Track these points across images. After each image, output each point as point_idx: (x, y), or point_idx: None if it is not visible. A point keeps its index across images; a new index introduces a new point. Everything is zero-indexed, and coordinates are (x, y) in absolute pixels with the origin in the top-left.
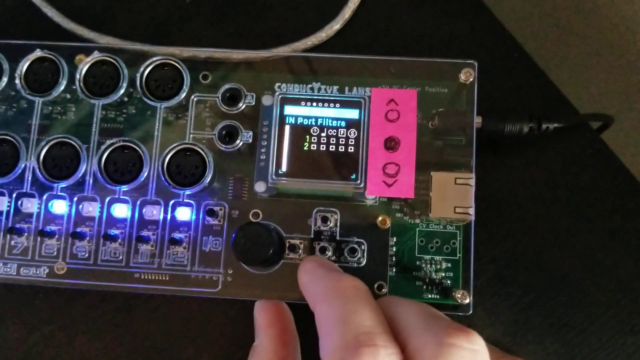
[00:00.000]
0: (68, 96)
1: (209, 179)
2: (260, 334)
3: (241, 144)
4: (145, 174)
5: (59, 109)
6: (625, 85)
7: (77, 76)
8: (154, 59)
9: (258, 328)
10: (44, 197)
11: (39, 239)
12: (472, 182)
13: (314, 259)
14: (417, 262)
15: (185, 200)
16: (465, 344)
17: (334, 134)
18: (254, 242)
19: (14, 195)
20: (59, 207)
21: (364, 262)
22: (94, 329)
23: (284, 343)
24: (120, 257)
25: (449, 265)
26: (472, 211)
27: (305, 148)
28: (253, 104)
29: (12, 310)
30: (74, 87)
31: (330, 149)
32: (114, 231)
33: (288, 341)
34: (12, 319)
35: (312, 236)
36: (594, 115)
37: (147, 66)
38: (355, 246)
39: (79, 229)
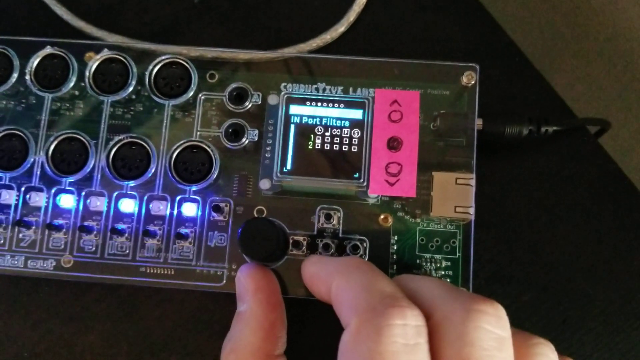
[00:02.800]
0: (76, 93)
1: (215, 176)
2: (247, 299)
3: (247, 142)
4: (153, 170)
5: (68, 105)
6: (623, 91)
7: (87, 73)
8: (163, 57)
9: (245, 293)
10: (52, 191)
11: (46, 232)
12: (473, 182)
13: (315, 255)
14: (418, 261)
15: (192, 197)
16: (491, 310)
17: (338, 134)
18: (260, 237)
19: (23, 189)
20: (67, 201)
21: (366, 259)
22: (100, 322)
23: (274, 307)
24: (127, 251)
25: (449, 264)
26: (472, 211)
27: (310, 147)
28: (259, 103)
29: (18, 304)
30: (83, 84)
31: (334, 148)
32: (121, 225)
33: (277, 305)
34: (18, 312)
35: (315, 233)
36: (592, 119)
37: (156, 64)
38: (358, 243)
39: (86, 223)
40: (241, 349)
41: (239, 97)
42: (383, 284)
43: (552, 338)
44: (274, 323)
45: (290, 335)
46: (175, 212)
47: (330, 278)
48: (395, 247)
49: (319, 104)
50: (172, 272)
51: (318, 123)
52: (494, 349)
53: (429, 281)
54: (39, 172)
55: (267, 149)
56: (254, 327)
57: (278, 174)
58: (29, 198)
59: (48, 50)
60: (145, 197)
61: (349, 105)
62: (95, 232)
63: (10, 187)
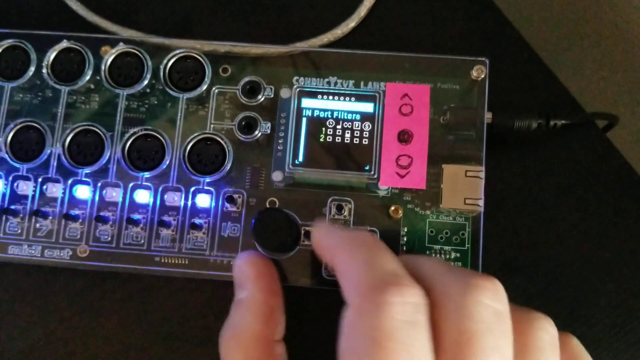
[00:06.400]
0: (92, 86)
1: (228, 168)
2: (248, 286)
3: (260, 134)
4: (167, 162)
5: (83, 98)
6: (631, 86)
7: (102, 67)
8: (177, 51)
9: (246, 280)
10: (69, 182)
11: (63, 222)
12: (482, 174)
13: (325, 221)
14: (427, 252)
15: (205, 188)
16: (489, 285)
17: (349, 127)
18: (273, 227)
19: (40, 180)
20: (83, 192)
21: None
22: (114, 311)
23: (274, 293)
24: (142, 241)
25: (458, 255)
26: (481, 203)
27: (321, 140)
28: (272, 96)
29: (34, 293)
30: (98, 78)
31: (345, 141)
32: (136, 216)
33: (277, 291)
34: (34, 301)
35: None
36: (600, 114)
37: (170, 58)
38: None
39: (102, 213)
40: (242, 334)
41: (252, 90)
42: (385, 261)
43: (560, 329)
44: (274, 309)
45: (296, 324)
46: (189, 203)
47: (332, 251)
48: (405, 239)
49: (331, 97)
50: (186, 262)
51: (329, 116)
52: (492, 322)
53: (429, 259)
54: (55, 164)
55: (280, 141)
56: (255, 312)
57: (290, 166)
58: (46, 189)
59: (64, 44)
60: (160, 189)
61: (360, 98)
62: (110, 222)
63: (27, 178)
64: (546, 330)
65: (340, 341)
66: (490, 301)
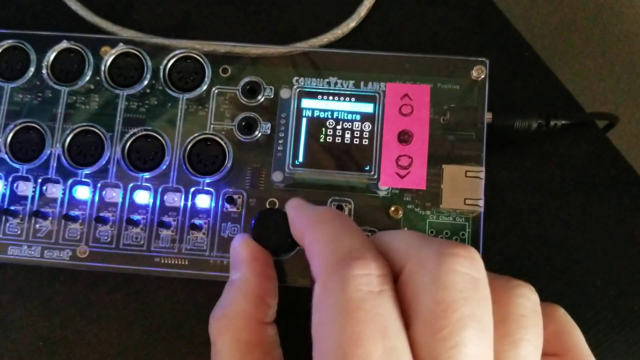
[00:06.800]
0: (92, 87)
1: (228, 168)
2: (242, 268)
3: (259, 135)
4: (167, 163)
5: (83, 98)
6: (632, 86)
7: (102, 67)
8: (177, 51)
9: (240, 262)
10: (68, 182)
11: (62, 222)
12: (482, 175)
13: (298, 198)
14: None
15: (205, 188)
16: (463, 253)
17: (349, 127)
18: (273, 228)
19: (39, 180)
20: (83, 192)
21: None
22: (113, 313)
23: (267, 276)
24: (142, 242)
25: None
26: (481, 203)
27: (322, 140)
28: (272, 96)
29: (33, 293)
30: (98, 78)
31: (346, 141)
32: (136, 216)
33: (270, 275)
34: (34, 302)
35: None
36: (600, 114)
37: (170, 59)
38: (369, 234)
39: (102, 214)
40: (233, 314)
41: (252, 90)
42: (351, 236)
43: None
44: (267, 292)
45: (294, 323)
46: (189, 203)
47: (304, 228)
48: None
49: (331, 97)
50: (186, 263)
51: (329, 116)
52: (469, 290)
53: (403, 233)
54: (55, 164)
55: (280, 142)
56: (247, 294)
57: (290, 167)
58: (46, 189)
59: (64, 44)
60: (160, 189)
61: (360, 99)
62: (110, 223)
63: (27, 179)
64: (527, 297)
65: (312, 318)
66: (466, 269)
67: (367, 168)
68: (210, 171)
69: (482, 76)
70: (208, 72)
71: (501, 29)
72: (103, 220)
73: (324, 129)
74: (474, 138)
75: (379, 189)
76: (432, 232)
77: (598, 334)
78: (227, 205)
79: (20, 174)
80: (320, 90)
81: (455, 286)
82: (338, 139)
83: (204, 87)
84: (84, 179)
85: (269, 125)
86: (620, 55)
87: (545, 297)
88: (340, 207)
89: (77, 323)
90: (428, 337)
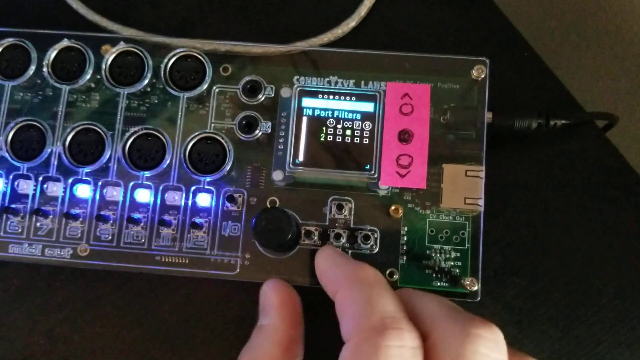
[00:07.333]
0: (93, 85)
1: (228, 167)
2: (271, 314)
3: (260, 134)
4: (168, 161)
5: (84, 97)
6: (631, 86)
7: (103, 66)
8: (178, 50)
9: (269, 308)
10: (69, 181)
11: (63, 221)
12: (482, 174)
13: (331, 247)
14: (427, 251)
15: (206, 187)
16: (488, 335)
17: (350, 126)
18: (274, 227)
19: (40, 179)
20: (84, 191)
21: (377, 250)
22: (114, 311)
23: (295, 324)
24: (143, 240)
25: (458, 254)
26: (481, 202)
27: (322, 139)
28: (272, 95)
29: (33, 292)
30: (99, 77)
31: (346, 141)
32: (137, 215)
33: (299, 322)
34: (34, 300)
35: (327, 223)
36: (599, 113)
37: (171, 57)
38: (369, 233)
39: (102, 212)
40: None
41: (253, 89)
42: (385, 302)
43: (560, 328)
44: (294, 339)
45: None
46: (190, 202)
47: (335, 284)
48: (405, 238)
49: (331, 96)
50: (187, 261)
51: (330, 115)
52: None
53: (430, 299)
54: (56, 163)
55: (280, 140)
56: (275, 341)
57: (290, 166)
58: (46, 188)
59: (65, 43)
60: (161, 188)
61: (361, 98)
62: (111, 221)
63: (27, 177)
64: None
65: None
66: (489, 351)
67: (368, 167)
68: (211, 170)
69: (482, 76)
70: (209, 71)
71: (501, 29)
72: (104, 219)
73: (324, 128)
74: (474, 137)
75: (379, 188)
76: (432, 231)
77: (598, 332)
78: (227, 204)
79: (21, 172)
80: (321, 90)
81: None
82: (338, 138)
83: (205, 86)
84: (84, 177)
85: (270, 124)
86: (619, 55)
87: (546, 296)
88: (340, 207)
89: (77, 321)
90: None
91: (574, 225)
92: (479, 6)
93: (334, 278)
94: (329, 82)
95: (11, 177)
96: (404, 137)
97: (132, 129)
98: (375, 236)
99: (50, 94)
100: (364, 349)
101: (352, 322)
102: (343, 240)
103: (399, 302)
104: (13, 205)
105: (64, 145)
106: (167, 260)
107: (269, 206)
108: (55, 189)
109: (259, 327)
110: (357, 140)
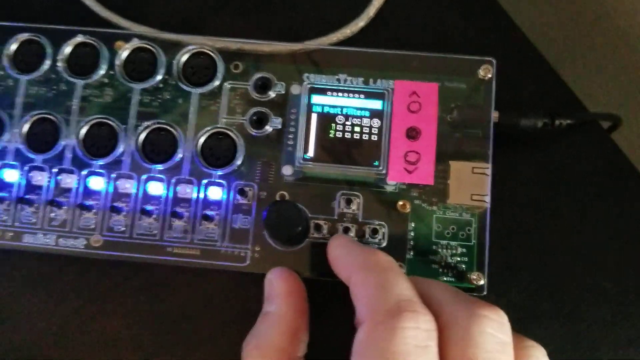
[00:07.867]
0: (106, 80)
1: (239, 162)
2: (277, 302)
3: (270, 129)
4: (180, 155)
5: (97, 92)
6: (636, 87)
7: (117, 61)
8: (191, 47)
9: (276, 295)
10: (83, 173)
11: (77, 212)
12: (489, 171)
13: (344, 235)
14: (434, 247)
15: (217, 181)
16: (494, 316)
17: (359, 123)
18: (284, 219)
19: (54, 170)
20: (97, 183)
21: (384, 244)
22: (126, 300)
23: (301, 312)
24: (155, 232)
25: (464, 250)
26: (488, 199)
27: (331, 135)
28: (282, 92)
29: (46, 282)
30: (112, 72)
31: (355, 137)
32: (149, 207)
33: (304, 310)
34: (48, 290)
35: (335, 217)
36: (603, 114)
37: (184, 54)
38: (377, 227)
39: (116, 204)
40: (266, 347)
41: (263, 86)
42: (401, 285)
43: (562, 325)
44: (300, 327)
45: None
46: (201, 195)
47: (349, 270)
48: (412, 233)
49: (340, 94)
50: (198, 252)
51: (339, 112)
52: (497, 351)
53: (437, 285)
54: (70, 155)
55: (290, 136)
56: (282, 328)
57: (300, 161)
58: (61, 180)
59: (79, 38)
60: (173, 181)
61: (369, 95)
62: (124, 213)
63: (42, 169)
64: (538, 359)
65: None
66: (495, 332)
67: (376, 163)
68: (222, 164)
69: (489, 75)
70: (220, 68)
71: (508, 31)
72: (117, 210)
73: (333, 125)
74: (481, 135)
75: (387, 183)
76: (438, 227)
77: (599, 330)
78: (238, 197)
79: (35, 164)
80: (330, 87)
81: (484, 346)
82: (347, 135)
83: (216, 83)
84: (98, 170)
85: (280, 120)
86: (625, 56)
87: (548, 294)
88: (349, 201)
89: (90, 310)
90: None
91: (578, 224)
92: (485, 8)
93: (348, 264)
94: (338, 80)
95: (26, 168)
96: (412, 134)
97: (145, 123)
98: (383, 231)
99: (65, 88)
100: (380, 331)
101: (367, 305)
102: (352, 234)
103: (413, 287)
104: (28, 196)
105: (78, 138)
106: (178, 251)
107: (279, 199)
108: (69, 180)
109: (265, 313)
110: (365, 136)
